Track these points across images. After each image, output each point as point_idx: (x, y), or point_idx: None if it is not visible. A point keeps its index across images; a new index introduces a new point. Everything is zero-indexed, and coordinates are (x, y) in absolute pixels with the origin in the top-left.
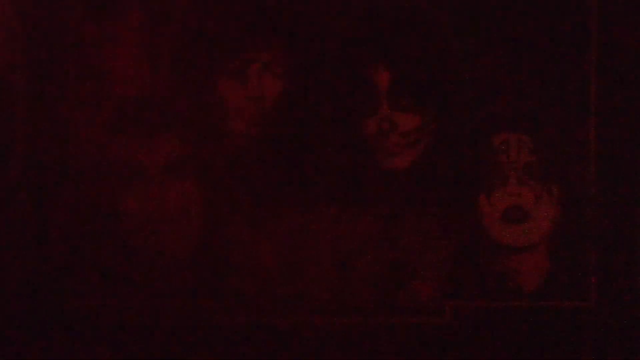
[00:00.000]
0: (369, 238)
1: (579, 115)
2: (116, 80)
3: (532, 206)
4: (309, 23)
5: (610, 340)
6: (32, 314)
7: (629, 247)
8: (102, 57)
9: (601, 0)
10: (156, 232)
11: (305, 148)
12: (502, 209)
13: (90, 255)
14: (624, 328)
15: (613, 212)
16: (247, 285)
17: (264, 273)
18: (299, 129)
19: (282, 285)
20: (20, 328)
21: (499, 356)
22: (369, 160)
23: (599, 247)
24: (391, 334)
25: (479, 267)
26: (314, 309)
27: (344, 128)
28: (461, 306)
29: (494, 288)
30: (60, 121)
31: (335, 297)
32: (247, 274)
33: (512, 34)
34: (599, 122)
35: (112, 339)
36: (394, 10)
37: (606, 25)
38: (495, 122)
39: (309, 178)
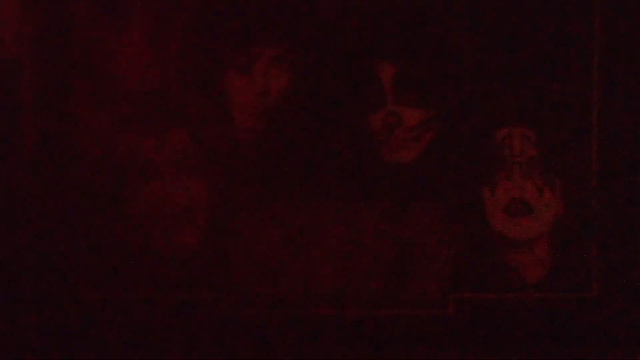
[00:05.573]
0: (373, 231)
1: (582, 109)
2: (123, 76)
3: (535, 199)
4: (315, 18)
5: (613, 331)
6: (41, 306)
7: (630, 240)
8: (108, 53)
9: None
10: (164, 226)
11: (311, 143)
12: (505, 202)
13: (99, 249)
14: (625, 319)
15: (614, 205)
16: (253, 278)
17: (269, 266)
18: (305, 124)
19: (288, 278)
20: (30, 321)
21: (502, 348)
22: (375, 155)
23: (600, 240)
24: (395, 326)
25: (483, 260)
26: (319, 302)
27: (349, 122)
28: (464, 298)
29: (497, 280)
30: (68, 117)
31: (339, 289)
32: (253, 267)
33: (516, 28)
34: (602, 117)
35: (120, 331)
36: (399, 5)
37: (610, 21)
38: (499, 117)
39: (315, 172)
